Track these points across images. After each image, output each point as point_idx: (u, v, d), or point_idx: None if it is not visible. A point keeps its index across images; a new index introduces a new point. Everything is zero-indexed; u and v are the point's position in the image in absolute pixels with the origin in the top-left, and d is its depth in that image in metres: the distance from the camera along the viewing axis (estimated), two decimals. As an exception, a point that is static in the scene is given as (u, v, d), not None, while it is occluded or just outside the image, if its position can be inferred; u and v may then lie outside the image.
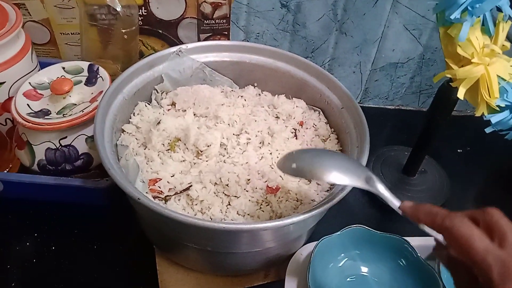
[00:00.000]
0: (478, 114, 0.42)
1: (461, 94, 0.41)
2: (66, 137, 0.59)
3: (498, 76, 0.41)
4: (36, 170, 0.60)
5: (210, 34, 0.74)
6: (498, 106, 0.41)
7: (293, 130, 0.60)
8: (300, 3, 0.71)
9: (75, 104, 0.61)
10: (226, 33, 0.74)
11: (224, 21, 0.72)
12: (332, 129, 0.62)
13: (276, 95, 0.64)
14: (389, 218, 0.67)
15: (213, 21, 0.72)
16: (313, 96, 0.63)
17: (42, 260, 0.57)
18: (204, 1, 0.69)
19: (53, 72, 0.64)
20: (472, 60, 0.40)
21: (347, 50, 0.78)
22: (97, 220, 0.61)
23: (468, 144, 0.80)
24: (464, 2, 0.38)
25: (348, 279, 0.56)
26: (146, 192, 0.50)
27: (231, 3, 0.70)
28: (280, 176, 0.53)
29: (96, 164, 0.61)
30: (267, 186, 0.52)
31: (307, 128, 0.61)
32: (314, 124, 0.62)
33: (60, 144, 0.59)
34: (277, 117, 0.62)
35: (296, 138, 0.59)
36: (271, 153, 0.56)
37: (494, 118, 0.41)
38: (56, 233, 0.60)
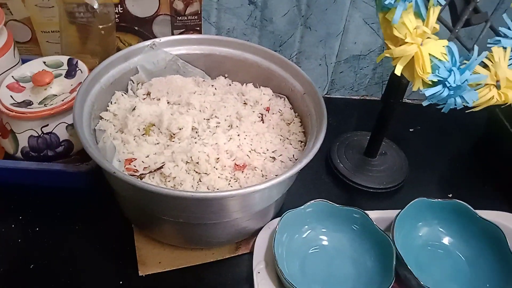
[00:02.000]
0: (414, 88, 0.47)
1: (398, 70, 0.47)
2: (47, 125, 0.63)
3: (431, 54, 0.47)
4: (20, 157, 0.64)
5: (183, 30, 0.79)
6: (431, 81, 0.47)
7: (260, 114, 0.65)
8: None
9: (56, 95, 0.65)
10: (198, 28, 0.79)
11: (196, 17, 0.77)
12: (296, 114, 0.67)
13: (245, 84, 0.70)
14: (351, 196, 0.73)
15: (185, 18, 0.77)
16: (278, 84, 0.68)
17: (27, 240, 0.61)
18: (176, -1, 0.74)
19: (35, 66, 0.68)
20: (405, 40, 0.45)
21: (312, 44, 0.83)
22: (79, 203, 0.65)
23: (421, 125, 0.87)
24: (397, -11, 0.44)
25: (311, 250, 0.61)
26: (122, 171, 0.54)
27: (202, 0, 0.75)
28: (247, 155, 0.58)
29: (77, 150, 0.65)
30: (235, 164, 0.57)
31: (273, 113, 0.66)
32: (279, 109, 0.67)
33: (42, 132, 0.63)
34: (245, 103, 0.67)
35: (263, 122, 0.64)
36: (238, 135, 0.60)
37: (428, 92, 0.47)
38: (40, 215, 0.64)
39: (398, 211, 0.62)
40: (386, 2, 0.44)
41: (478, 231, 0.61)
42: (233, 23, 0.80)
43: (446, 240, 0.63)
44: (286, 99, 0.68)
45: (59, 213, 0.64)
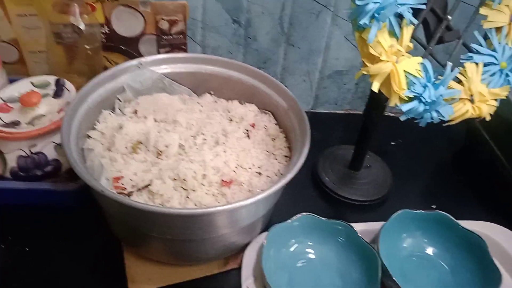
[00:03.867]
0: (391, 104, 0.49)
1: (375, 87, 0.48)
2: (36, 145, 0.63)
3: (406, 71, 0.49)
4: (9, 177, 0.64)
5: (169, 48, 0.80)
6: (407, 96, 0.49)
7: (246, 131, 0.66)
8: (250, 18, 0.79)
9: (44, 115, 0.66)
10: (184, 47, 0.80)
11: (181, 36, 0.79)
12: (281, 129, 0.68)
13: (230, 101, 0.71)
14: (337, 208, 0.74)
15: (171, 37, 0.79)
16: (263, 100, 0.70)
17: (17, 260, 0.61)
18: (162, 19, 0.76)
19: (22, 86, 0.68)
20: (381, 58, 0.47)
21: (296, 60, 0.85)
22: (68, 222, 0.66)
23: (406, 138, 0.89)
24: (371, 10, 0.46)
25: (298, 264, 0.62)
26: (110, 189, 0.55)
27: (186, 20, 0.77)
28: (233, 171, 0.59)
29: (65, 169, 0.66)
30: (222, 180, 0.58)
31: (258, 129, 0.68)
32: (265, 125, 0.68)
33: (31, 152, 0.63)
34: (231, 120, 0.68)
35: (249, 138, 0.66)
36: (225, 151, 0.61)
37: (405, 107, 0.49)
38: (29, 235, 0.64)
39: (382, 223, 0.63)
40: (361, 22, 0.46)
41: (461, 241, 0.63)
42: (218, 42, 0.82)
43: (430, 251, 0.65)
44: (271, 115, 0.70)
45: (48, 232, 0.64)
